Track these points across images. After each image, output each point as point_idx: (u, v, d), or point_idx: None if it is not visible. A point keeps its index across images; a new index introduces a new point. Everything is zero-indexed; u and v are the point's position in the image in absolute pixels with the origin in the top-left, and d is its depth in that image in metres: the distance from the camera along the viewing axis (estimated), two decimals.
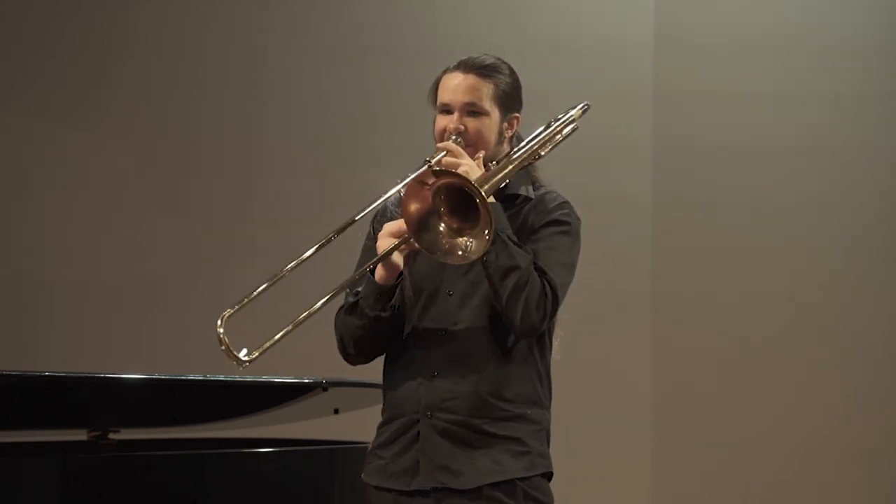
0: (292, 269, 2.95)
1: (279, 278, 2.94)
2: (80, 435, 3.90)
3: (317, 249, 2.95)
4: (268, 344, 2.88)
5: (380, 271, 2.94)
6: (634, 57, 5.84)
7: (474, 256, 2.79)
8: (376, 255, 2.92)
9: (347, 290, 3.01)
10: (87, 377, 3.60)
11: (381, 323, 2.97)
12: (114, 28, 6.02)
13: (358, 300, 2.98)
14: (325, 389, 3.91)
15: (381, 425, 3.04)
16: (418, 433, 2.94)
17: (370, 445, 3.05)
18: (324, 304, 2.89)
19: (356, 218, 2.98)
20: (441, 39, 5.98)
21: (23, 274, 5.95)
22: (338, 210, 6.44)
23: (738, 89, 5.93)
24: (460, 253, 2.80)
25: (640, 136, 5.83)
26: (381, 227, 2.99)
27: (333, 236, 2.96)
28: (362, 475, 3.03)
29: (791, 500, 5.83)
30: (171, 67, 6.02)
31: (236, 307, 2.88)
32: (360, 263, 3.05)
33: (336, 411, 4.29)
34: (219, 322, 2.83)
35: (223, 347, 2.82)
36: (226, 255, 5.95)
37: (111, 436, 3.86)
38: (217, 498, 3.51)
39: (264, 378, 4.04)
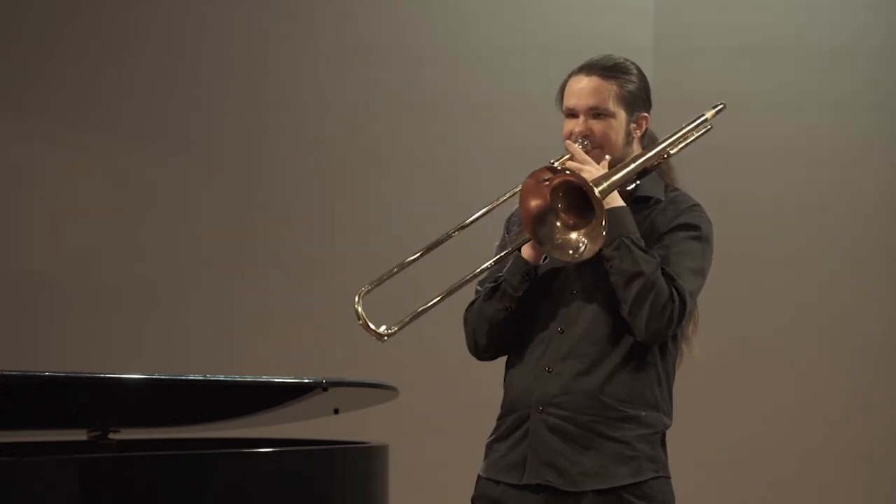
0: (422, 255, 3.01)
1: (412, 261, 3.00)
2: (80, 435, 3.90)
3: (442, 240, 3.01)
4: (407, 320, 2.93)
5: (527, 250, 2.96)
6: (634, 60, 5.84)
7: (587, 256, 2.82)
8: (508, 258, 2.99)
9: (478, 287, 3.05)
10: (87, 377, 3.60)
11: (515, 311, 2.97)
12: (114, 28, 6.03)
13: (499, 283, 2.99)
14: (325, 389, 3.91)
15: (499, 418, 3.05)
16: (529, 428, 2.94)
17: (488, 439, 3.06)
18: (463, 283, 2.96)
19: (469, 221, 3.01)
20: (441, 39, 5.99)
21: (23, 274, 5.95)
22: (338, 210, 6.49)
23: (737, 91, 5.93)
24: (571, 251, 2.83)
25: None
26: (514, 229, 3.03)
27: (454, 233, 3.02)
28: (480, 469, 3.04)
29: (791, 500, 5.83)
30: (171, 67, 6.02)
31: (374, 284, 2.94)
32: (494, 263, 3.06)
33: (336, 411, 4.29)
34: (356, 298, 2.89)
35: (360, 322, 2.88)
36: (226, 256, 5.95)
37: (111, 436, 3.85)
38: (217, 498, 3.51)
39: (264, 378, 4.04)
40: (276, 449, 3.88)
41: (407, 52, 6.01)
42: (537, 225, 2.85)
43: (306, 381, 3.94)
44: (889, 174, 5.94)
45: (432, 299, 2.95)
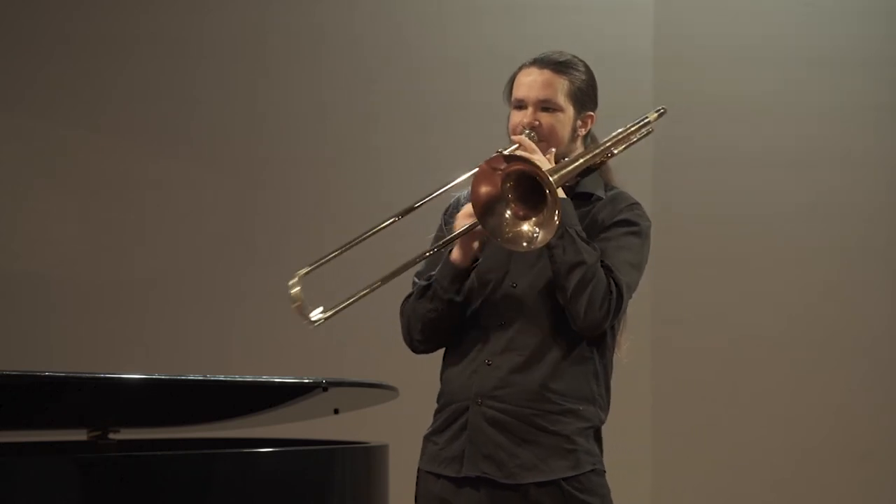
0: (364, 238, 3.01)
1: (352, 245, 3.00)
2: (80, 435, 3.90)
3: (383, 227, 3.02)
4: (340, 306, 2.93)
5: (456, 253, 2.97)
6: (634, 69, 5.84)
7: (541, 244, 2.81)
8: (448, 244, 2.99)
9: (415, 279, 3.05)
10: (87, 377, 3.60)
11: (452, 308, 2.98)
12: (113, 28, 6.02)
13: (431, 283, 2.99)
14: (325, 389, 3.91)
15: (436, 412, 3.06)
16: (468, 420, 2.95)
17: (426, 431, 3.07)
18: (397, 271, 2.95)
19: (417, 204, 3.03)
20: (440, 38, 5.99)
21: (23, 274, 5.95)
22: (338, 209, 6.48)
23: (738, 96, 5.93)
24: (525, 243, 2.83)
25: (640, 146, 5.83)
26: (452, 220, 3.03)
27: (398, 217, 3.02)
28: (419, 461, 3.04)
29: (791, 500, 5.83)
30: (171, 67, 6.02)
31: (312, 266, 2.95)
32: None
33: (336, 411, 4.29)
34: (293, 280, 2.91)
35: (295, 305, 2.89)
36: (226, 255, 5.95)
37: (111, 436, 3.85)
38: (217, 498, 3.50)
39: (264, 378, 4.04)
40: (276, 449, 3.88)
41: (405, 51, 6.01)
42: (487, 216, 2.84)
43: (306, 381, 3.94)
44: (890, 175, 5.94)
45: (367, 287, 2.94)
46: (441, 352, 3.12)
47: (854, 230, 5.91)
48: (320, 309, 2.92)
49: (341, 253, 3.00)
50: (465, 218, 2.95)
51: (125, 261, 5.97)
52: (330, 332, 6.06)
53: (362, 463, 3.94)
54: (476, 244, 2.96)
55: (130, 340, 5.88)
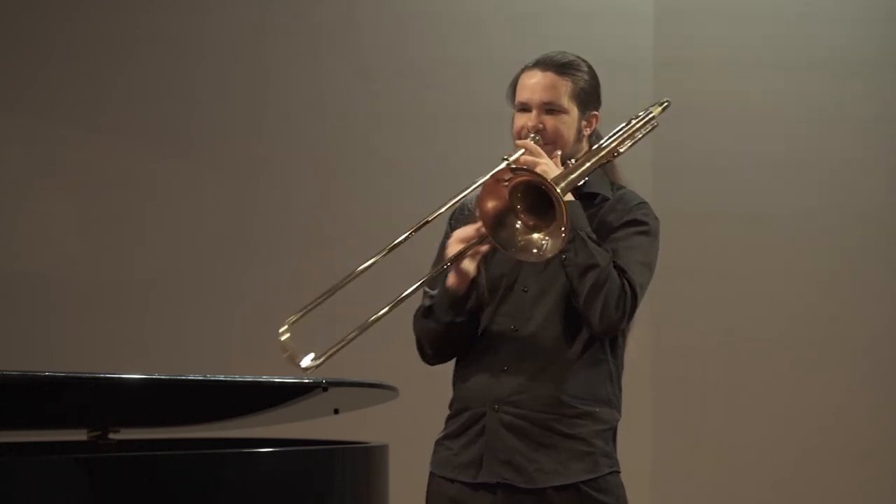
0: (356, 276, 2.90)
1: (344, 284, 2.90)
2: (80, 435, 3.90)
3: (384, 254, 2.90)
4: (332, 350, 2.86)
5: (451, 278, 2.93)
6: (635, 74, 5.84)
7: (549, 255, 2.80)
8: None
9: (425, 291, 3.01)
10: (87, 377, 3.60)
11: (456, 328, 2.96)
12: (113, 28, 6.02)
13: (432, 305, 2.97)
14: (325, 389, 3.91)
15: (449, 417, 3.06)
16: (484, 426, 2.94)
17: (438, 436, 3.07)
18: (390, 309, 2.85)
19: (428, 220, 2.92)
20: (440, 38, 5.99)
21: (23, 274, 5.95)
22: (338, 209, 6.47)
23: (738, 98, 5.93)
24: (535, 251, 2.81)
25: (640, 148, 5.82)
26: (459, 225, 2.99)
27: (383, 255, 2.92)
28: (430, 465, 3.03)
29: (791, 500, 5.83)
30: (171, 67, 6.02)
31: (301, 313, 2.84)
32: (436, 263, 3.02)
33: (336, 411, 4.29)
34: (283, 328, 2.80)
35: (286, 355, 2.79)
36: (226, 255, 5.95)
37: (111, 436, 3.85)
38: (217, 498, 3.50)
39: (264, 378, 4.04)
40: (276, 449, 3.88)
41: (406, 51, 6.01)
42: (498, 228, 2.82)
43: (306, 381, 3.93)
44: (890, 176, 5.94)
45: (357, 329, 2.87)
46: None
47: (854, 230, 5.91)
48: (311, 356, 2.84)
49: (327, 298, 2.91)
50: (456, 244, 2.91)
51: (125, 261, 5.97)
52: (330, 333, 6.06)
53: (362, 463, 3.93)
54: (472, 269, 2.90)
55: (130, 340, 5.88)
